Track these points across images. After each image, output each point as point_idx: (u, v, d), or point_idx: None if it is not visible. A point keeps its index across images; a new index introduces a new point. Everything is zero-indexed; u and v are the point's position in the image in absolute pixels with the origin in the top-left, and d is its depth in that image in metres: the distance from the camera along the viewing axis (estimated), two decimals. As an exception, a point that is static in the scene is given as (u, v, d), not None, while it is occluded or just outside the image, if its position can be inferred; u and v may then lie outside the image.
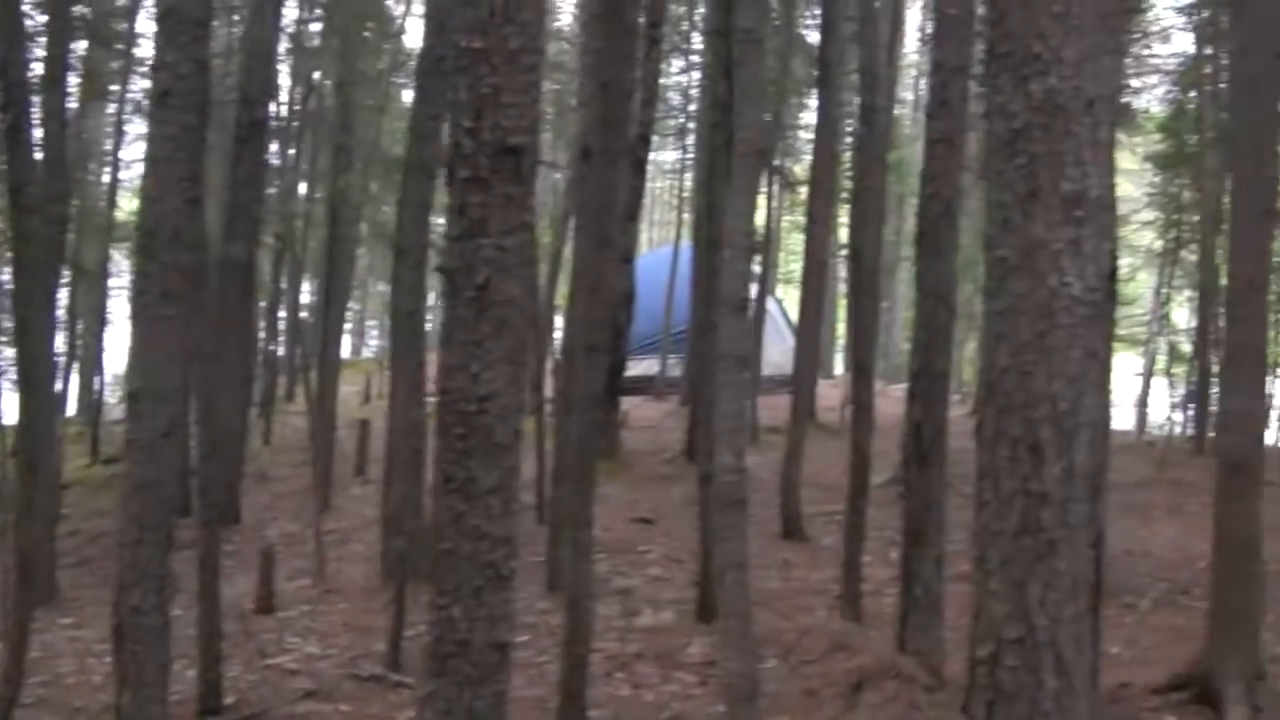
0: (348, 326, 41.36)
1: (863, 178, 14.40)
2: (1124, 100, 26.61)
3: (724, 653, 7.93)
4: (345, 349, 40.60)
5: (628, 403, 23.06)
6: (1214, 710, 9.02)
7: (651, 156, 28.23)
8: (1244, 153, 9.84)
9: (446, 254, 4.76)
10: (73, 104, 20.35)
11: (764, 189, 24.69)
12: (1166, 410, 27.27)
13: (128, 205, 25.95)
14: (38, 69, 15.05)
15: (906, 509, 9.87)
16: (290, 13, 23.41)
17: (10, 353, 15.29)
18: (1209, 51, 24.01)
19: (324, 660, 11.40)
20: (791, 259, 39.74)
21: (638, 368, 26.19)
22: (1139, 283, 33.88)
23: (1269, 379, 25.30)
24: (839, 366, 36.93)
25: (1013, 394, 4.85)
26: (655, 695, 10.31)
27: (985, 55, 5.00)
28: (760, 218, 24.41)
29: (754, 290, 23.68)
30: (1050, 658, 4.84)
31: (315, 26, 24.72)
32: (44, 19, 16.33)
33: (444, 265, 4.76)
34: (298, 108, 25.03)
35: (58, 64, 14.97)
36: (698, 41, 28.84)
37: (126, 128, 25.92)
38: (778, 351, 26.69)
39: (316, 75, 24.04)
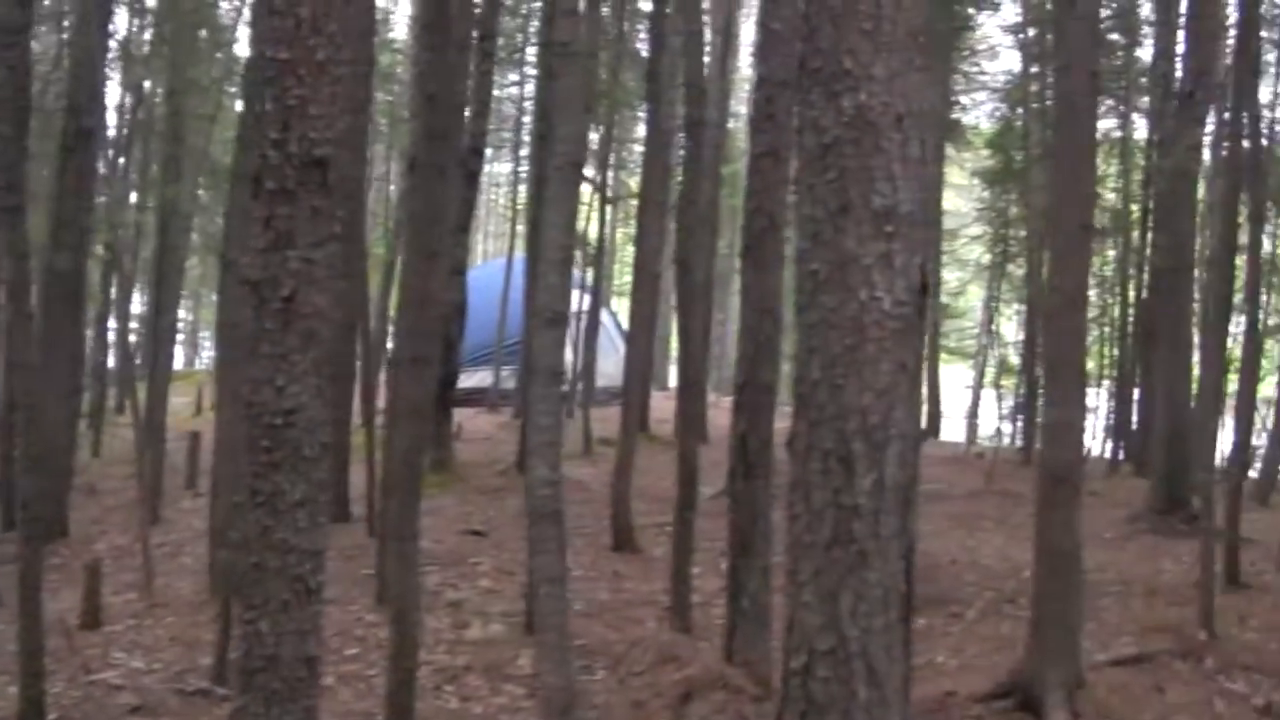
0: (180, 338, 40.80)
1: (690, 191, 14.46)
2: (953, 116, 27.13)
3: (540, 666, 7.92)
4: (179, 360, 40.03)
5: (461, 415, 22.99)
6: (1036, 717, 9.13)
7: (487, 168, 28.12)
8: (1064, 169, 10.02)
9: (252, 266, 4.71)
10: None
11: (596, 201, 24.80)
12: (996, 422, 27.73)
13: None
14: None
15: (733, 520, 9.90)
16: (120, 20, 23.05)
17: None
18: (1035, 69, 24.51)
19: (150, 675, 11.20)
20: (627, 271, 39.88)
21: (471, 379, 26.13)
22: (969, 296, 34.46)
23: (1094, 391, 26.07)
24: (674, 378, 37.11)
25: (824, 407, 4.89)
26: (484, 708, 10.26)
27: (798, 70, 5.04)
28: (594, 230, 24.53)
29: (587, 303, 23.84)
30: (862, 668, 4.88)
31: (146, 34, 24.33)
32: None
33: (249, 277, 4.70)
34: (128, 116, 24.63)
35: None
36: (533, 54, 28.86)
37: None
38: (611, 363, 26.83)
39: (147, 84, 23.65)
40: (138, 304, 31.07)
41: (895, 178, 4.87)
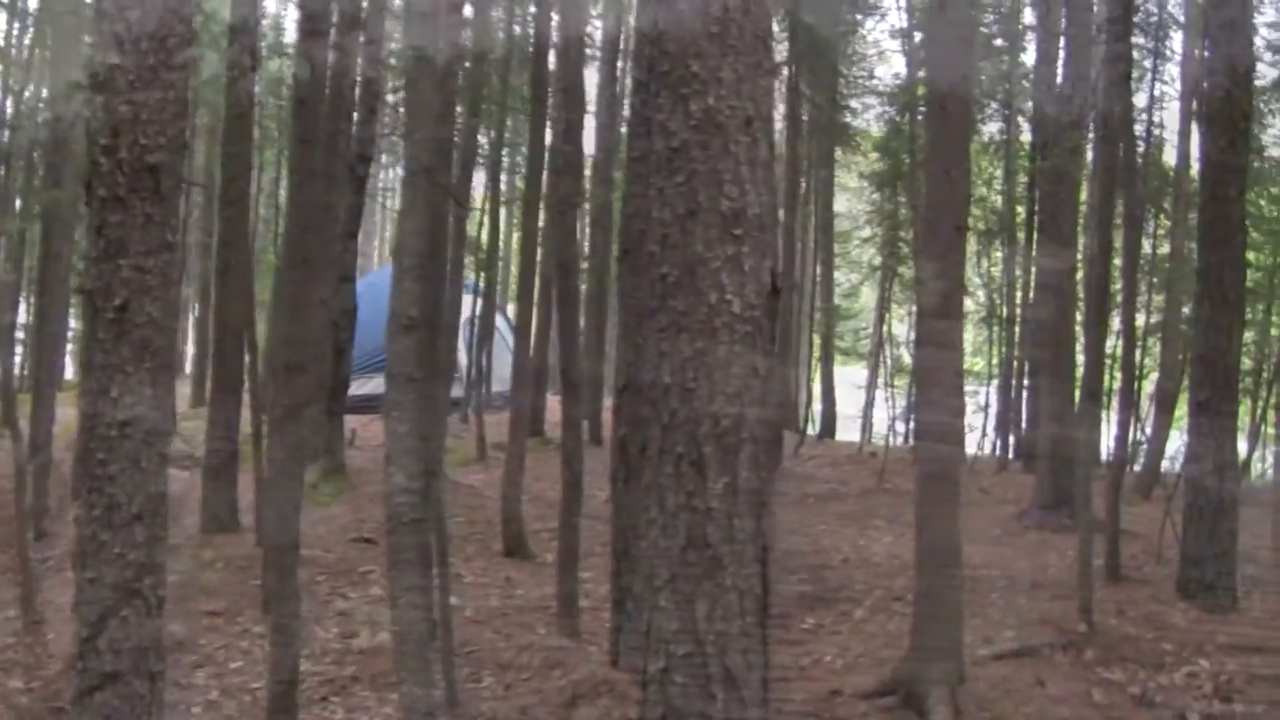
0: (71, 348, 40.23)
1: (570, 194, 14.41)
2: (843, 121, 27.31)
3: (401, 675, 7.85)
4: (70, 370, 39.48)
5: (355, 421, 22.80)
6: (919, 714, 9.16)
7: (383, 175, 27.93)
8: (937, 171, 10.06)
9: (85, 275, 4.62)
10: None
11: (488, 206, 24.74)
12: (889, 421, 27.85)
13: None
14: None
15: (615, 525, 9.85)
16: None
17: None
18: (921, 73, 24.68)
19: (28, 694, 11.04)
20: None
21: (366, 386, 25.93)
22: (862, 297, 34.66)
23: (984, 390, 26.30)
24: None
25: (676, 411, 4.89)
26: (370, 718, 10.19)
27: (646, 73, 5.03)
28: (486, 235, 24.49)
29: (478, 307, 23.78)
30: (719, 672, 4.88)
31: (26, 38, 24.00)
32: None
33: (82, 286, 4.62)
34: (8, 122, 24.27)
35: None
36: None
37: None
38: (508, 368, 26.72)
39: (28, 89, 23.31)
40: (24, 313, 30.63)
41: (744, 180, 4.87)
